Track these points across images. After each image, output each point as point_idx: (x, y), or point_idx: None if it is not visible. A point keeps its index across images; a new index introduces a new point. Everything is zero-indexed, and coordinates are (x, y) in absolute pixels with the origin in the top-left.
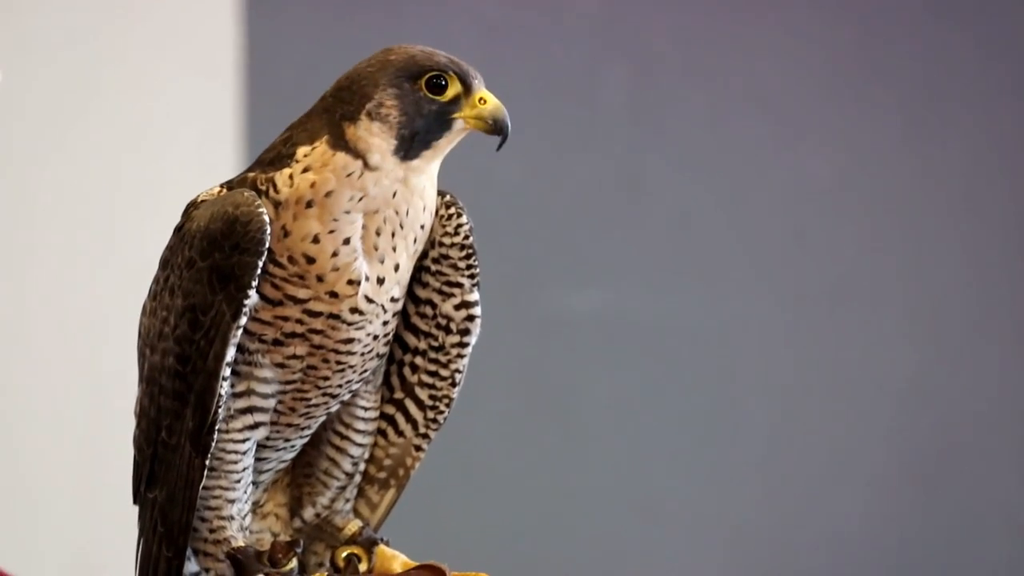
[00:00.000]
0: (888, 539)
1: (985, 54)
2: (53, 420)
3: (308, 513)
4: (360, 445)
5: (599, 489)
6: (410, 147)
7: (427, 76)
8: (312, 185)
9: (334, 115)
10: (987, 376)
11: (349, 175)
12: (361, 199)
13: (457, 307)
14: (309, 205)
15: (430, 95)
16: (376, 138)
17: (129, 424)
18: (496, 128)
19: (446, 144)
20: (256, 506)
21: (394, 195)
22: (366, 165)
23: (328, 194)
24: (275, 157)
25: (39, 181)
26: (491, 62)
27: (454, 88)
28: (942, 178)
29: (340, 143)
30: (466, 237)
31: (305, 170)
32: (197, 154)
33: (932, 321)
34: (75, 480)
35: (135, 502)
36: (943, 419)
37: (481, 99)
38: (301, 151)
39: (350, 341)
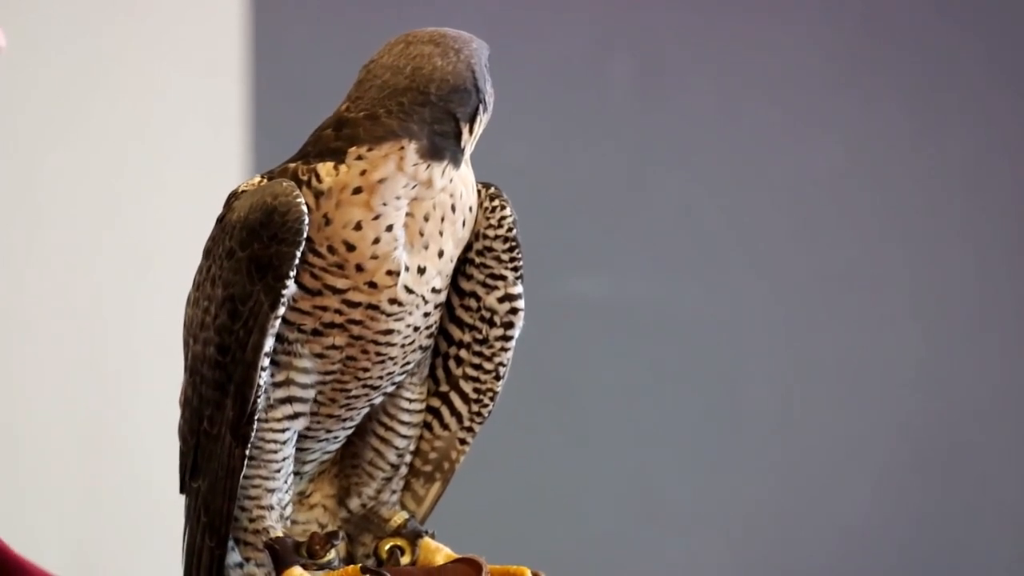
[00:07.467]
0: (896, 533)
1: (992, 45)
2: (53, 417)
3: (354, 504)
4: (405, 437)
5: (603, 477)
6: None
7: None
8: (363, 173)
9: (447, 121)
10: (995, 367)
11: (415, 165)
12: (415, 187)
13: (500, 300)
14: (357, 191)
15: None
16: (480, 129)
17: (130, 421)
18: None
19: None
20: (302, 496)
21: (451, 180)
22: (451, 160)
23: (381, 180)
24: (324, 149)
25: (43, 177)
26: (496, 49)
27: None
28: (949, 168)
29: (433, 145)
30: (509, 229)
31: (359, 158)
32: (203, 150)
33: (940, 312)
34: (75, 477)
35: (181, 492)
36: (951, 411)
37: None
38: (364, 147)
39: (389, 332)
